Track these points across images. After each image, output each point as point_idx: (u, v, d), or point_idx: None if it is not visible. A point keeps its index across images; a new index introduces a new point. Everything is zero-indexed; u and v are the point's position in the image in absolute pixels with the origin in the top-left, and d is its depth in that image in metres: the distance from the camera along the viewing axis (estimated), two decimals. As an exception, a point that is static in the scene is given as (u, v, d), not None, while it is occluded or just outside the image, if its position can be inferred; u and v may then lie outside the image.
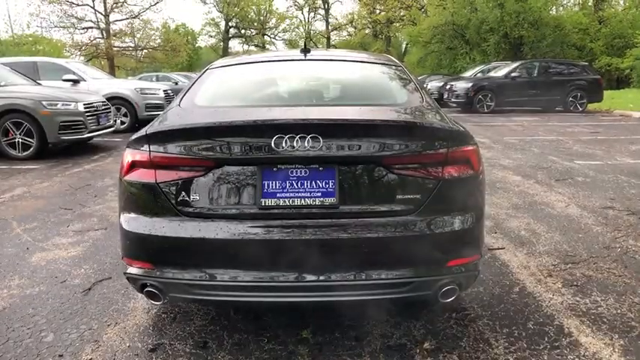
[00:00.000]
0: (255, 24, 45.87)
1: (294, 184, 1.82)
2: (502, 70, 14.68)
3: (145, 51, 30.04)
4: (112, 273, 2.91)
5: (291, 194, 1.82)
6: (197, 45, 45.80)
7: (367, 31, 53.65)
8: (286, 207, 1.82)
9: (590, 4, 27.84)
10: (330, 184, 1.81)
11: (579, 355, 2.02)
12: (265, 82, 2.55)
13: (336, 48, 46.92)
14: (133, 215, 1.94)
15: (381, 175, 1.83)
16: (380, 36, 49.17)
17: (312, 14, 50.74)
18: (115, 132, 8.45)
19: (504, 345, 2.10)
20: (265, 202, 1.82)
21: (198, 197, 1.84)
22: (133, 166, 1.93)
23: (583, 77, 13.94)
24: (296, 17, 49.90)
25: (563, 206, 4.26)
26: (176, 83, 18.44)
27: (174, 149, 1.85)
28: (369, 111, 2.03)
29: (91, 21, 29.82)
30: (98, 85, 9.57)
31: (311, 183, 1.81)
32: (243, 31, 46.47)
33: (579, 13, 25.79)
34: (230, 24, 45.24)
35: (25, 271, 2.96)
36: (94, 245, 3.42)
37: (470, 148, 1.95)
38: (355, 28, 57.10)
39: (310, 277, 1.80)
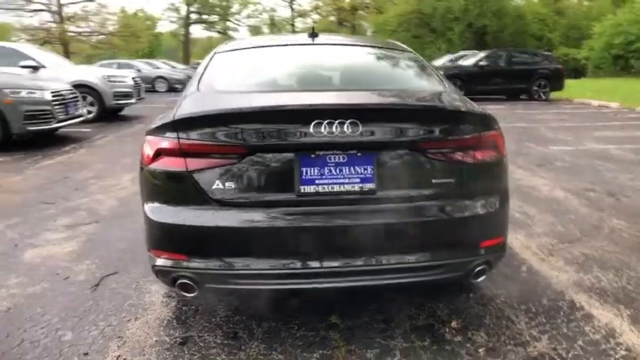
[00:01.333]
0: (218, 9, 44.68)
1: (333, 171, 1.81)
2: (470, 60, 15.04)
3: (102, 36, 28.62)
4: (117, 268, 2.81)
5: (330, 180, 1.80)
6: (157, 31, 44.21)
7: (332, 18, 53.41)
8: (325, 193, 1.81)
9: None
10: (369, 169, 1.81)
11: (594, 326, 2.14)
12: (286, 67, 2.49)
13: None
14: (161, 205, 1.88)
15: (419, 159, 1.85)
16: (345, 24, 49.10)
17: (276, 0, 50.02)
18: (82, 122, 8.08)
19: (525, 320, 2.19)
20: (304, 189, 1.80)
21: (233, 185, 1.80)
22: (159, 154, 1.86)
23: (546, 66, 14.51)
24: (260, 3, 49.08)
25: (549, 190, 4.45)
26: (139, 71, 17.81)
27: (207, 136, 1.79)
28: (403, 96, 2.03)
29: (41, 3, 28.08)
30: (61, 72, 9.05)
31: (349, 169, 1.81)
32: (205, 17, 45.23)
33: (539, 4, 26.71)
34: (191, 9, 43.88)
35: (20, 269, 2.80)
36: (89, 240, 3.28)
37: (497, 132, 2.01)
38: (320, 15, 56.67)
39: (350, 263, 1.81)
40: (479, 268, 1.95)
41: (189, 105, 1.98)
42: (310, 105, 1.82)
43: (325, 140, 1.77)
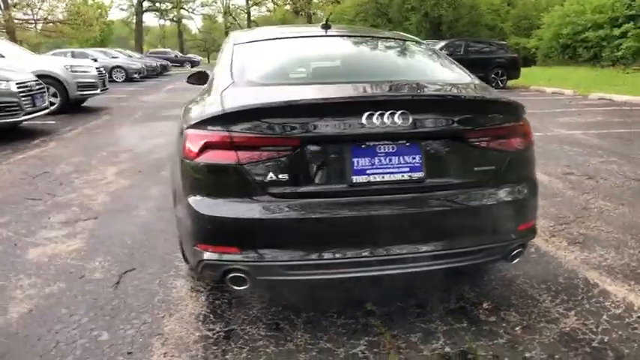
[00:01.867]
0: (171, -4, 43.14)
1: (383, 160, 1.84)
2: (432, 49, 15.38)
3: (51, 24, 26.85)
4: (132, 264, 2.72)
5: (380, 170, 1.84)
6: (108, 19, 42.09)
7: (288, 7, 52.90)
8: (376, 183, 1.84)
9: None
10: (417, 158, 1.86)
11: (614, 301, 2.30)
12: (318, 58, 2.48)
13: (258, 25, 45.85)
14: (209, 199, 1.84)
15: (463, 148, 1.91)
16: (301, 13, 48.74)
17: (231, -12, 48.96)
18: (46, 114, 7.64)
19: (549, 299, 2.33)
20: (356, 179, 1.82)
21: (286, 177, 1.79)
22: (205, 148, 1.82)
23: (502, 55, 15.16)
24: (214, -9, 47.82)
25: (532, 174, 4.68)
26: (95, 60, 16.94)
27: (259, 128, 1.77)
28: (447, 87, 2.08)
29: (-21, -12, 25.95)
30: (20, 61, 8.51)
31: (399, 158, 1.85)
32: (157, 5, 43.51)
33: (492, -5, 27.60)
34: (143, -4, 42.08)
35: (29, 269, 2.66)
36: (92, 236, 3.15)
37: (526, 121, 2.10)
38: (275, 4, 55.96)
39: (401, 250, 1.86)
40: (516, 251, 2.05)
41: (234, 97, 1.93)
42: (365, 97, 1.84)
43: (376, 131, 1.80)
